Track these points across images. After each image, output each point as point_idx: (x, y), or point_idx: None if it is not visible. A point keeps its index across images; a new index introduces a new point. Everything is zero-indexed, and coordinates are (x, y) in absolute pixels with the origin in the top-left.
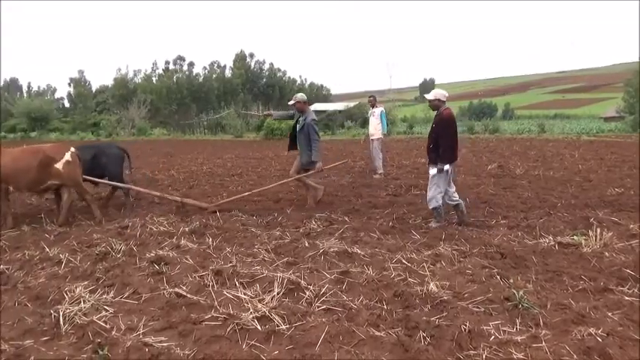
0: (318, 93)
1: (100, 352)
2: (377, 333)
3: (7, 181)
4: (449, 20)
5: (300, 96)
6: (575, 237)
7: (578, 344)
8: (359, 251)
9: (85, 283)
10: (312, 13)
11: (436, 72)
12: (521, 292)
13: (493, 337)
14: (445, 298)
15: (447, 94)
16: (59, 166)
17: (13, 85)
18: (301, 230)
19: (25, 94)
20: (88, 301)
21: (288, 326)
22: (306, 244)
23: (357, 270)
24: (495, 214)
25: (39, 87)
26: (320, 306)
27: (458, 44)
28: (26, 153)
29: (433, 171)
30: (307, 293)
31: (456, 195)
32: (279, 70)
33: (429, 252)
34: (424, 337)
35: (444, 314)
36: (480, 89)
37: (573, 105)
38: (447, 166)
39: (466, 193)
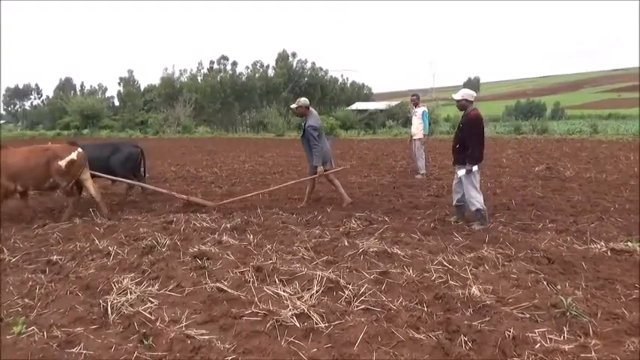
0: (360, 92)
1: (145, 342)
2: (417, 335)
3: (16, 179)
4: (495, 17)
5: (303, 101)
6: (629, 243)
7: (631, 356)
8: (399, 252)
9: (132, 275)
10: (354, 11)
11: (481, 70)
12: (569, 300)
13: (539, 344)
14: (488, 302)
15: (474, 94)
16: (63, 164)
17: (67, 84)
18: (341, 229)
19: (78, 93)
20: (134, 292)
21: (326, 325)
22: (346, 243)
23: (396, 271)
24: (542, 218)
25: (91, 86)
26: (359, 306)
27: (504, 41)
28: (36, 151)
29: (461, 172)
30: (346, 292)
31: (464, 200)
32: (321, 69)
33: (472, 255)
34: (465, 342)
35: (487, 319)
36: (527, 88)
37: (630, 104)
38: (475, 167)
39: (511, 195)
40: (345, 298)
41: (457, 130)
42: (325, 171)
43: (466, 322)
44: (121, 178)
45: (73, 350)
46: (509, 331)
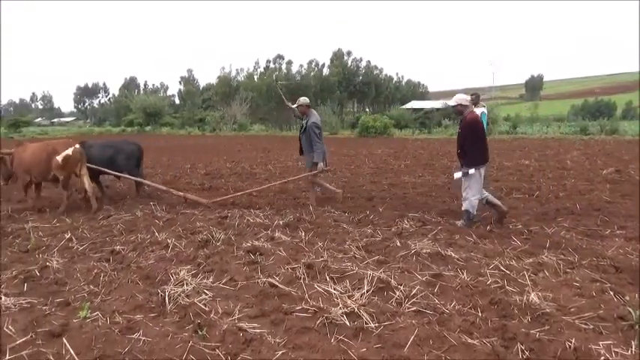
0: (415, 90)
1: (199, 333)
2: (470, 340)
3: (28, 171)
4: (559, 12)
5: (303, 99)
6: None
7: None
8: (453, 254)
9: (188, 267)
10: (410, 8)
11: (545, 68)
12: (638, 312)
13: (603, 357)
14: (548, 310)
15: (469, 99)
16: (60, 159)
17: (132, 83)
18: (393, 229)
19: (142, 91)
20: (190, 284)
21: (376, 325)
22: (398, 244)
23: (450, 273)
24: (610, 224)
25: (153, 85)
26: (410, 307)
27: (569, 37)
28: (42, 147)
29: (457, 174)
30: (397, 293)
31: (485, 194)
32: (376, 67)
33: (531, 260)
34: (522, 350)
35: (546, 328)
36: (594, 86)
37: None
38: (471, 170)
39: (576, 199)
40: (396, 298)
41: (457, 134)
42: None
43: (523, 329)
44: (126, 174)
45: (133, 336)
46: (571, 342)
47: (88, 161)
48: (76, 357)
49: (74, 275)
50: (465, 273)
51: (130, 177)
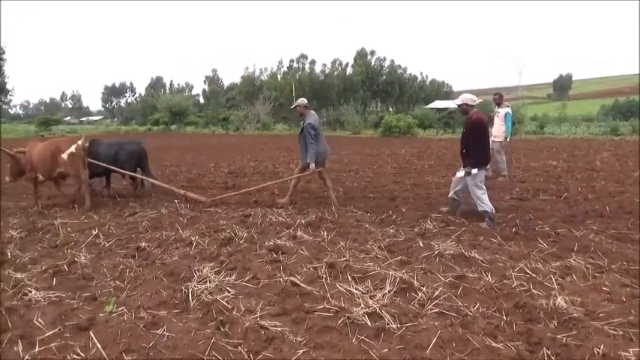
0: (439, 90)
1: (222, 329)
2: (494, 344)
3: (35, 168)
4: (587, 10)
5: (301, 100)
6: None
7: None
8: (477, 256)
9: (212, 264)
10: (435, 6)
11: (573, 66)
12: None
13: None
14: (575, 315)
15: (475, 98)
16: (65, 156)
17: (158, 82)
18: (416, 230)
19: (167, 91)
20: (213, 281)
21: (398, 325)
22: (421, 245)
23: (474, 275)
24: None
25: (178, 84)
26: (433, 309)
27: (600, 35)
28: (47, 145)
29: (460, 173)
30: (420, 294)
31: (461, 194)
32: (400, 67)
33: (558, 263)
34: (548, 355)
35: (573, 333)
36: (624, 86)
37: None
38: (474, 170)
39: (605, 201)
40: (419, 300)
41: (461, 134)
42: (317, 170)
43: (549, 334)
44: (129, 172)
45: (157, 331)
46: (599, 348)
47: (95, 158)
48: (102, 350)
49: (101, 270)
50: (489, 275)
51: (135, 175)
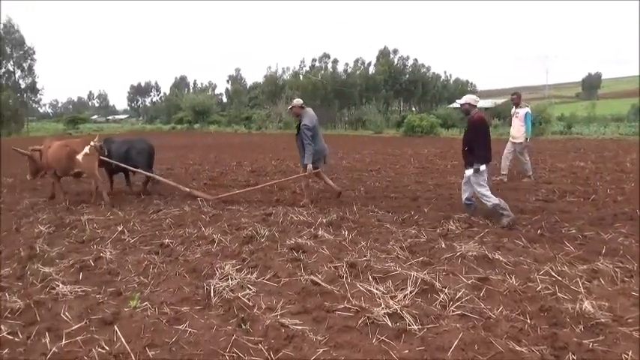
0: (463, 89)
1: (243, 327)
2: (517, 347)
3: (50, 166)
4: (616, 8)
5: (296, 101)
6: None
7: None
8: (501, 258)
9: (233, 262)
10: (459, 4)
11: (603, 65)
12: None
13: None
14: (602, 320)
15: (477, 99)
16: (80, 157)
17: (182, 82)
18: (438, 230)
19: (191, 90)
20: (235, 278)
21: (419, 327)
22: (443, 245)
23: (497, 278)
24: None
25: (202, 84)
26: (455, 311)
27: (632, 33)
28: (62, 146)
29: (469, 172)
30: (441, 296)
31: (474, 199)
32: (423, 65)
33: (585, 267)
34: None
35: (600, 338)
36: None
37: None
38: (482, 167)
39: (636, 204)
40: (440, 301)
41: (464, 133)
42: (315, 169)
43: (575, 339)
44: (140, 170)
45: (180, 327)
46: (627, 355)
47: (108, 156)
48: (126, 345)
49: (125, 266)
50: (513, 278)
51: (144, 172)
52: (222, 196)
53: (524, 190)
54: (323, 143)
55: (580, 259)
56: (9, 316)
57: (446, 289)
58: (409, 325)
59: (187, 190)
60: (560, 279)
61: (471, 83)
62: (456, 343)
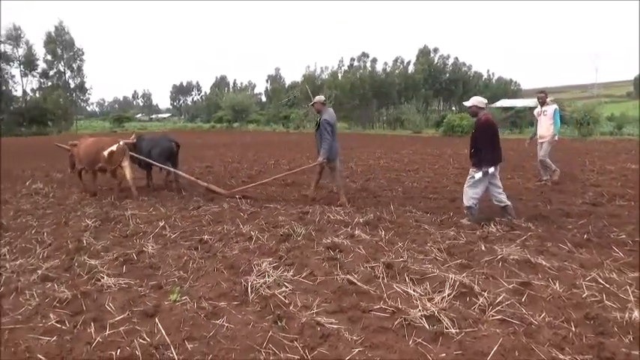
0: (507, 88)
1: (279, 324)
2: (560, 356)
3: (81, 161)
4: None
5: (318, 98)
6: None
7: None
8: (544, 262)
9: (270, 259)
10: (506, 1)
11: None
12: None
13: None
14: None
15: (485, 101)
16: (106, 153)
17: (222, 81)
18: (478, 233)
19: (231, 90)
20: (272, 276)
21: (457, 330)
22: (483, 248)
23: (540, 283)
24: None
25: (241, 83)
26: (494, 315)
27: None
28: (94, 142)
29: (478, 174)
30: (480, 300)
31: (503, 196)
32: (464, 64)
33: (635, 274)
34: None
35: None
36: None
37: None
38: (491, 169)
39: None
40: (479, 305)
41: (471, 135)
42: (329, 165)
43: (624, 349)
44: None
45: (217, 322)
46: None
47: (137, 152)
48: (166, 337)
49: (166, 261)
50: (557, 283)
51: (167, 167)
52: (234, 190)
53: (570, 193)
54: (337, 143)
55: (630, 265)
56: (57, 305)
57: (485, 293)
58: (447, 329)
59: (204, 184)
60: (607, 286)
61: (515, 82)
62: (495, 348)
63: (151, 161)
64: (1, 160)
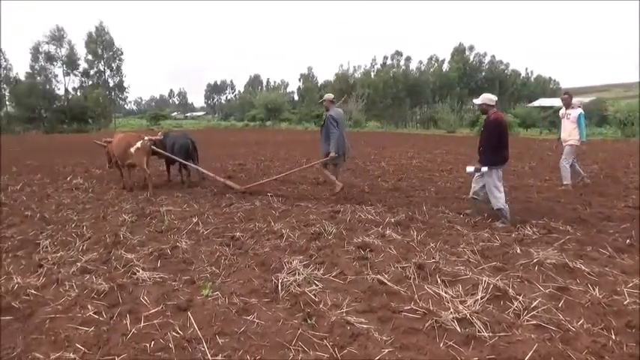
0: (545, 87)
1: (309, 322)
2: None
3: (114, 156)
4: None
5: (327, 95)
6: None
7: None
8: (583, 267)
9: (301, 257)
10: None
11: None
12: None
13: None
14: None
15: (495, 98)
16: (132, 150)
17: (255, 80)
18: (513, 235)
19: (264, 88)
20: (302, 274)
21: (490, 334)
22: (518, 251)
23: (578, 288)
24: None
25: (275, 82)
26: (529, 320)
27: None
28: (122, 138)
29: (470, 169)
30: (515, 304)
31: (482, 192)
32: (501, 62)
33: None
34: None
35: None
36: None
37: None
38: (484, 168)
39: None
40: (514, 309)
41: (480, 132)
42: (334, 161)
43: None
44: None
45: (248, 318)
46: None
47: (162, 148)
48: (198, 331)
49: (199, 256)
50: (596, 289)
51: (190, 164)
52: (249, 186)
53: (611, 196)
54: (346, 140)
55: None
56: (95, 297)
57: (520, 297)
58: (479, 332)
59: (221, 179)
60: None
61: (554, 80)
62: (530, 354)
63: (172, 156)
64: (0, 155)
